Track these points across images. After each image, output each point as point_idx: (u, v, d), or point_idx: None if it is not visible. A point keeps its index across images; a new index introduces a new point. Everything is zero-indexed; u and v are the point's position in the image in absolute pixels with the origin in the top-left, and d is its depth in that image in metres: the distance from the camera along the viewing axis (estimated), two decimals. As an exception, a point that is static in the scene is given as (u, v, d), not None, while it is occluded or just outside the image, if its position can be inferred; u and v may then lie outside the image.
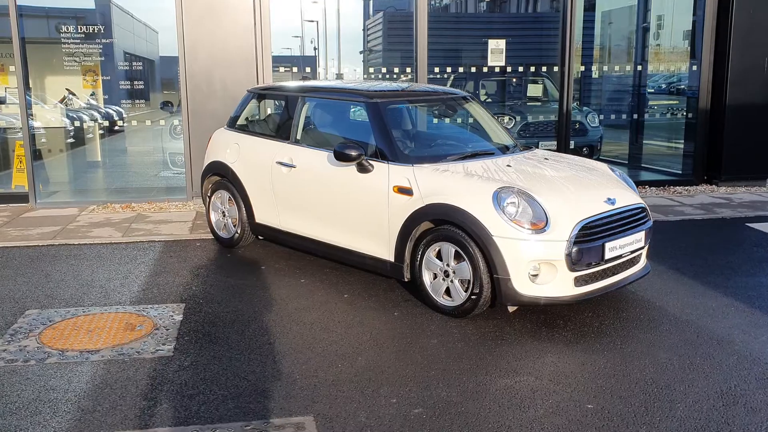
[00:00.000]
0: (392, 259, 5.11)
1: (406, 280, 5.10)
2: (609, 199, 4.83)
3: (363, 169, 5.18)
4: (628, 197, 5.01)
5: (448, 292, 4.81)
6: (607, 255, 4.64)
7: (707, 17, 9.39)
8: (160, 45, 10.06)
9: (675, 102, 11.19)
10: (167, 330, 4.57)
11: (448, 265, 4.76)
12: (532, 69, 10.87)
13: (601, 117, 10.69)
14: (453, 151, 5.42)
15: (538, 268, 4.49)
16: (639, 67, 11.21)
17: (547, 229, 4.46)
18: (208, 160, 6.66)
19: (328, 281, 5.58)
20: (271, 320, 4.76)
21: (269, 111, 6.73)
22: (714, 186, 9.61)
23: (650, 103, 11.52)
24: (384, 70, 11.09)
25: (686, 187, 9.56)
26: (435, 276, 4.89)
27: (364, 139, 5.39)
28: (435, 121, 6.25)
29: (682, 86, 10.76)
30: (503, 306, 4.80)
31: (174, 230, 7.17)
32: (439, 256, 4.83)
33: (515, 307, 4.79)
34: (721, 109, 9.40)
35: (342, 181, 5.35)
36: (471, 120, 6.01)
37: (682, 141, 10.37)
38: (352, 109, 6.17)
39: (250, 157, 6.18)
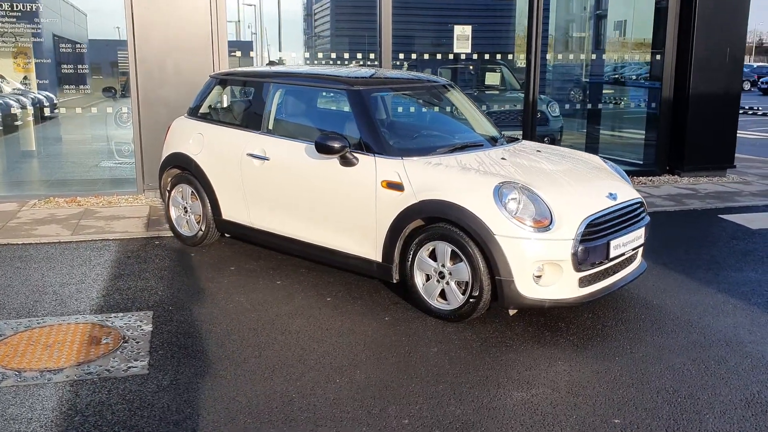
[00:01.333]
0: (379, 259, 4.75)
1: (394, 281, 4.75)
2: (611, 194, 4.59)
3: (347, 162, 4.79)
4: (626, 191, 4.78)
5: (442, 294, 4.49)
6: (612, 253, 4.40)
7: (671, 4, 9.30)
8: (89, 28, 9.39)
9: (636, 91, 11.13)
10: (137, 343, 4.10)
11: (443, 265, 4.43)
12: (498, 56, 10.62)
13: (566, 107, 10.53)
14: (442, 143, 5.08)
15: (542, 268, 4.20)
16: (603, 56, 11.11)
17: (552, 228, 4.18)
18: (167, 151, 6.14)
19: (307, 283, 5.18)
20: (252, 329, 4.34)
21: (235, 98, 6.25)
22: (677, 176, 9.57)
23: (610, 92, 11.44)
24: (333, 55, 10.60)
25: (650, 178, 9.49)
26: (428, 277, 4.55)
27: (345, 130, 5.00)
28: (412, 110, 5.89)
29: (644, 75, 10.69)
30: (499, 308, 4.50)
31: (128, 227, 6.62)
32: (432, 255, 4.49)
33: (515, 310, 4.50)
34: (685, 99, 9.35)
35: (323, 176, 4.95)
36: (455, 109, 5.68)
37: (644, 130, 10.31)
38: (330, 97, 5.75)
39: (216, 148, 5.70)
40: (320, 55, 11.88)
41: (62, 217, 6.96)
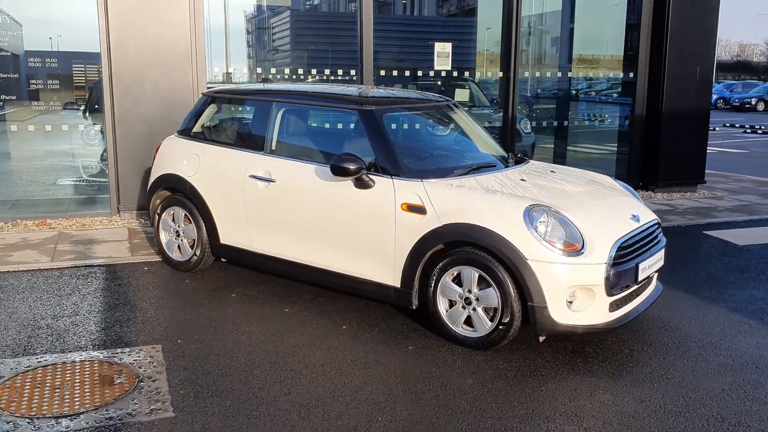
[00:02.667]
0: (398, 285, 4.57)
1: (413, 307, 4.58)
2: (634, 215, 4.54)
3: (362, 184, 4.61)
4: (645, 212, 4.74)
5: (467, 321, 4.34)
6: (640, 276, 4.34)
7: (643, 25, 9.44)
8: (24, 39, 8.92)
9: (609, 108, 11.26)
10: (154, 382, 3.81)
11: (469, 291, 4.28)
12: (473, 74, 10.56)
13: (543, 123, 10.54)
14: (458, 164, 4.95)
15: (574, 294, 4.10)
16: (572, 73, 11.19)
17: (584, 251, 4.08)
18: (157, 172, 5.83)
19: (316, 310, 4.96)
20: (273, 362, 4.10)
21: (231, 117, 5.98)
22: (650, 192, 9.69)
23: (584, 109, 11.55)
24: (311, 70, 10.27)
25: (625, 194, 9.55)
26: (451, 303, 4.40)
27: (356, 151, 4.82)
28: (424, 130, 5.74)
29: (617, 93, 10.82)
30: (525, 335, 4.38)
31: (111, 251, 6.26)
32: (457, 281, 4.35)
33: (543, 337, 4.38)
34: (658, 116, 9.48)
35: (335, 199, 4.75)
36: (461, 129, 5.55)
37: (616, 146, 10.42)
38: (338, 117, 5.55)
39: (214, 169, 5.43)
40: (260, 70, 11.57)
41: (36, 242, 6.55)
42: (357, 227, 4.68)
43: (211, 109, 5.80)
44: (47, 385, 3.75)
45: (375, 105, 4.89)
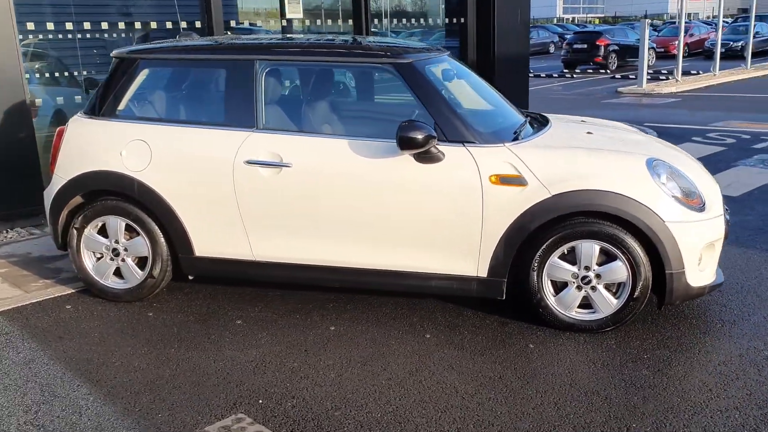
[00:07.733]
0: (484, 275, 3.78)
1: (502, 298, 3.83)
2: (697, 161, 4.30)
3: (428, 158, 3.68)
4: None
5: (582, 303, 3.75)
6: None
7: (469, -33, 9.29)
8: None
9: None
10: (313, 474, 2.62)
11: (587, 268, 3.67)
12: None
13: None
14: (515, 122, 4.20)
15: (702, 253, 3.74)
16: (405, 23, 10.70)
17: (707, 206, 3.74)
18: (72, 172, 4.09)
19: (367, 320, 3.95)
20: (398, 405, 3.10)
21: (180, 86, 4.38)
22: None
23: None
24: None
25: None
26: (557, 286, 3.75)
27: (393, 116, 3.86)
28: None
29: (442, 40, 10.58)
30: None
31: (-12, 293, 4.35)
32: (564, 259, 3.71)
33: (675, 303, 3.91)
34: (491, 61, 9.48)
35: (389, 180, 3.73)
36: (477, 81, 4.66)
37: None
38: (351, 76, 4.37)
39: (179, 158, 3.95)
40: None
41: None
42: (424, 212, 3.74)
43: (143, 75, 4.20)
44: None
45: (410, 55, 3.91)
